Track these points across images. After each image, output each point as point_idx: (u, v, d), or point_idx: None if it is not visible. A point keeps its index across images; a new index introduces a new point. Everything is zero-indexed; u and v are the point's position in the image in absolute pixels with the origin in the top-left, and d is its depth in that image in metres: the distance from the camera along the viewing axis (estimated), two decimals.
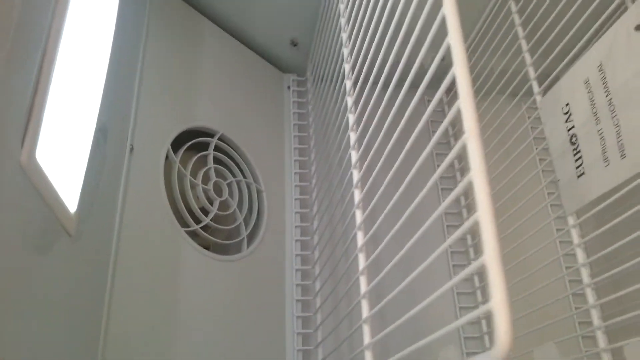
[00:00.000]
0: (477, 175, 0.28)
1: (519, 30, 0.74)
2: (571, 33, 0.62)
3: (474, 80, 0.87)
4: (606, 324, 0.57)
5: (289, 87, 0.94)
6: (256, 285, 0.74)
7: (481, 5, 0.83)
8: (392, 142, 0.45)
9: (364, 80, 0.54)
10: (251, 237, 0.77)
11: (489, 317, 0.81)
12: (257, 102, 0.88)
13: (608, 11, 0.57)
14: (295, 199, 0.85)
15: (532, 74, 0.70)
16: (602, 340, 0.56)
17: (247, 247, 0.74)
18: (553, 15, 0.66)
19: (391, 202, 0.44)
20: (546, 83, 0.67)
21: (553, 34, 0.66)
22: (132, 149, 0.63)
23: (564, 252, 0.63)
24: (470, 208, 0.90)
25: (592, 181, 0.57)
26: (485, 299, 0.82)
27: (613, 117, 0.54)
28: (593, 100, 0.57)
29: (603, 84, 0.56)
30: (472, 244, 0.87)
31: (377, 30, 0.49)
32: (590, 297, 0.58)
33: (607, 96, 0.55)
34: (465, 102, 0.31)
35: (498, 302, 0.24)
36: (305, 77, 0.95)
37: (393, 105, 0.45)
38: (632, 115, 0.52)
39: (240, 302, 0.70)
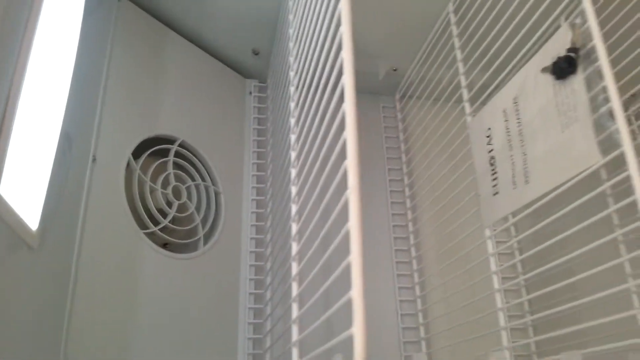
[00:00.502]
0: (353, 227, 0.35)
1: (457, 52, 0.80)
2: (502, 57, 0.69)
3: (424, 88, 0.94)
4: (511, 325, 0.65)
5: (250, 93, 1.00)
6: (212, 280, 0.81)
7: (429, 24, 0.89)
8: (319, 141, 0.51)
9: (308, 86, 0.58)
10: (208, 236, 0.83)
11: (426, 324, 0.89)
12: (219, 108, 0.93)
13: (533, 40, 0.64)
14: (252, 200, 0.92)
15: (465, 95, 0.77)
16: (505, 339, 0.64)
17: (204, 245, 0.81)
18: (489, 37, 0.72)
19: (315, 218, 0.50)
20: (474, 107, 0.75)
21: (487, 56, 0.72)
22: (94, 160, 0.68)
23: (477, 261, 0.71)
24: (416, 219, 0.97)
25: (503, 200, 0.65)
26: (425, 306, 0.91)
27: (522, 146, 0.62)
28: (508, 129, 0.65)
29: (516, 115, 0.63)
30: (415, 255, 0.95)
31: (315, 39, 0.54)
32: (499, 301, 0.66)
33: (518, 127, 0.62)
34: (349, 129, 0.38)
35: (357, 329, 0.31)
36: (266, 84, 1.01)
37: (329, 109, 0.49)
38: (535, 147, 0.59)
39: (197, 297, 0.77)
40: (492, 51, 0.70)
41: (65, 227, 0.61)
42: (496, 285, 0.66)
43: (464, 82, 0.78)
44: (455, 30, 0.81)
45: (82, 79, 0.65)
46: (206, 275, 0.80)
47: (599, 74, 0.50)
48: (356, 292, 0.32)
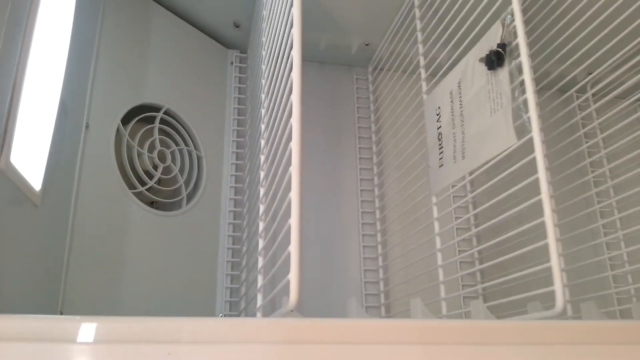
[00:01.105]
0: (294, 196, 0.44)
1: (418, 34, 0.88)
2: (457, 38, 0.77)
3: (392, 63, 1.01)
4: (464, 292, 0.76)
5: (232, 63, 1.08)
6: (194, 236, 0.91)
7: (398, 2, 0.97)
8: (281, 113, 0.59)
9: (274, 63, 0.66)
10: (191, 196, 0.93)
11: (386, 279, 1.00)
12: (202, 78, 1.01)
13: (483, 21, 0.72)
14: (232, 163, 1.01)
15: (423, 74, 0.86)
16: (442, 292, 0.75)
17: (187, 204, 0.90)
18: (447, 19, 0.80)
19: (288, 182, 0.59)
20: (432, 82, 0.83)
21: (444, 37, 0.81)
22: (87, 126, 0.77)
23: (424, 225, 0.81)
24: (383, 195, 1.07)
25: (446, 172, 0.74)
26: (385, 262, 1.01)
27: (462, 126, 0.71)
28: (452, 109, 0.73)
29: (459, 97, 0.72)
30: (379, 217, 1.05)
31: (278, 20, 0.62)
32: (440, 259, 0.76)
33: (460, 108, 0.71)
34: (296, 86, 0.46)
35: (293, 275, 0.41)
36: (247, 55, 1.09)
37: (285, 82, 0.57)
38: (471, 127, 0.68)
39: (180, 251, 0.87)
40: (447, 33, 0.78)
41: (63, 187, 0.70)
42: (438, 245, 0.77)
43: (422, 62, 0.86)
44: (417, 13, 0.89)
45: (77, 53, 0.72)
46: (189, 231, 0.90)
47: (519, 69, 0.58)
48: (293, 247, 0.42)
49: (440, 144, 0.76)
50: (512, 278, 0.58)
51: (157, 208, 0.87)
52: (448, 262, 0.75)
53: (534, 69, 0.88)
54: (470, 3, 0.72)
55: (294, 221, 0.42)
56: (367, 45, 1.09)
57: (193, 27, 1.01)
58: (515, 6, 0.60)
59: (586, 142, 1.21)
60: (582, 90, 1.22)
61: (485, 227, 0.65)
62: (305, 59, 1.12)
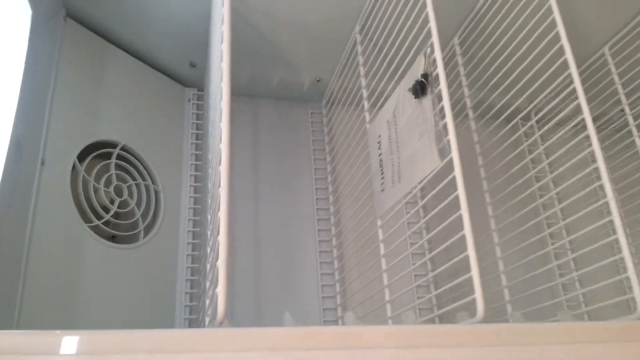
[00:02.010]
0: (222, 216, 0.47)
1: (361, 69, 0.94)
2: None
3: (344, 95, 1.07)
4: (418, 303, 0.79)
5: (189, 100, 1.12)
6: (152, 268, 0.93)
7: (344, 42, 1.03)
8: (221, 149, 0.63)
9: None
10: (149, 229, 0.95)
11: (344, 291, 1.03)
12: (159, 114, 1.05)
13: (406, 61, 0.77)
14: (190, 197, 1.04)
15: (366, 106, 0.91)
16: (389, 311, 0.78)
17: (144, 237, 0.93)
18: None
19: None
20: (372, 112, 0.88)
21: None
22: (43, 163, 0.80)
23: (372, 248, 0.85)
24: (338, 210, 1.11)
25: (387, 196, 0.79)
26: (342, 278, 1.04)
27: (398, 151, 0.75)
28: (390, 136, 0.78)
29: (395, 125, 0.77)
30: (335, 244, 1.09)
31: (217, 57, 0.67)
32: (385, 279, 0.80)
33: (395, 135, 0.76)
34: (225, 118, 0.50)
35: (220, 288, 0.44)
36: (204, 92, 1.13)
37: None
38: (404, 152, 0.73)
39: (139, 282, 0.89)
40: (384, 67, 0.84)
41: (18, 221, 0.72)
42: (383, 266, 0.80)
43: (365, 95, 0.91)
44: (359, 49, 0.95)
45: (31, 92, 0.76)
46: (147, 263, 0.92)
47: (439, 97, 0.64)
48: (221, 262, 0.45)
49: (381, 170, 0.81)
50: (443, 290, 0.62)
51: (117, 242, 0.90)
52: (398, 281, 0.78)
53: (481, 99, 0.94)
54: (400, 37, 0.78)
55: (222, 237, 0.46)
56: (318, 81, 1.14)
57: (150, 67, 1.06)
58: (435, 40, 0.66)
59: (533, 168, 1.27)
60: (527, 119, 1.29)
61: (436, 251, 0.69)
62: (260, 95, 1.18)
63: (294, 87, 1.16)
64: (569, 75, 1.02)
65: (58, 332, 0.40)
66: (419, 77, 0.68)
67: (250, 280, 1.03)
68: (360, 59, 0.94)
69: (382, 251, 0.81)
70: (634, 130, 1.05)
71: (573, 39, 1.07)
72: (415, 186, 0.69)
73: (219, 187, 0.48)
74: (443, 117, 0.62)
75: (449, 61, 1.05)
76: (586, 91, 1.20)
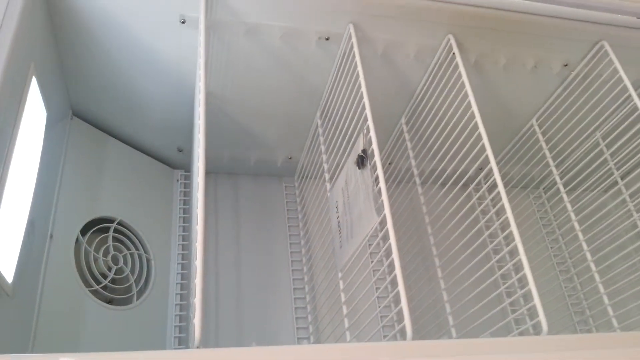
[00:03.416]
0: (198, 261, 0.61)
1: (322, 147, 1.11)
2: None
3: (311, 170, 1.23)
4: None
5: (177, 181, 1.28)
6: (144, 328, 1.05)
7: (308, 125, 1.21)
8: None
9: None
10: (141, 292, 1.08)
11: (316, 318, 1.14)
12: (151, 193, 1.21)
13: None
14: (178, 263, 1.18)
15: (327, 177, 1.08)
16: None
17: (137, 300, 1.05)
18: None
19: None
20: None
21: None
22: (51, 236, 0.94)
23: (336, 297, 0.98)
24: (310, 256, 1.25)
25: (344, 251, 0.93)
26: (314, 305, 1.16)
27: (350, 213, 0.91)
28: (344, 201, 0.94)
29: (347, 191, 0.93)
30: (309, 300, 1.22)
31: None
32: (347, 323, 0.92)
33: (347, 199, 0.92)
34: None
35: (197, 319, 0.57)
36: (190, 172, 1.30)
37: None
38: (354, 213, 0.88)
39: (132, 341, 1.01)
40: (338, 144, 1.01)
41: (31, 285, 0.85)
42: (345, 311, 0.93)
43: (325, 168, 1.08)
44: (320, 130, 1.13)
45: (44, 179, 0.92)
46: (139, 323, 1.04)
47: (374, 168, 0.80)
48: (197, 298, 0.59)
49: (339, 229, 0.96)
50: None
51: (114, 304, 1.02)
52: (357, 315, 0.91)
53: (433, 168, 1.10)
54: (348, 121, 0.96)
55: (198, 279, 0.60)
56: (290, 159, 1.31)
57: (143, 153, 1.23)
58: (370, 123, 0.83)
59: (487, 230, 1.42)
60: (479, 184, 1.47)
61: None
62: (239, 172, 1.34)
63: (269, 164, 1.33)
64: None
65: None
66: (359, 152, 0.84)
67: (234, 322, 1.15)
68: (321, 139, 1.12)
69: (342, 299, 0.94)
70: (561, 187, 1.22)
71: (506, 113, 1.27)
72: (362, 240, 0.83)
73: (196, 241, 0.63)
74: (377, 183, 0.78)
75: (399, 136, 1.23)
76: (522, 156, 1.39)
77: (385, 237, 0.75)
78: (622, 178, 1.27)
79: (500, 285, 1.08)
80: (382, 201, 0.77)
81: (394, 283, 0.72)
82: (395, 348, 0.61)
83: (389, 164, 1.33)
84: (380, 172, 0.78)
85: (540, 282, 1.28)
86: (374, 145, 0.81)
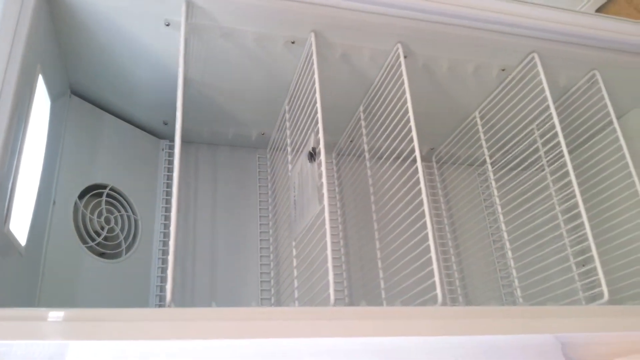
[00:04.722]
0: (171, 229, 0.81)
1: (287, 132, 1.28)
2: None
3: (279, 145, 1.41)
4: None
5: (162, 150, 1.46)
6: (132, 279, 1.26)
7: (281, 103, 1.38)
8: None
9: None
10: (129, 248, 1.28)
11: (277, 288, 1.36)
12: (140, 161, 1.39)
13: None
14: (161, 223, 1.37)
15: (289, 158, 1.26)
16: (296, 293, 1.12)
17: (125, 254, 1.26)
18: None
19: None
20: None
21: None
22: (54, 202, 1.13)
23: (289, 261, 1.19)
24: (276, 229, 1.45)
25: (297, 226, 1.13)
26: (277, 288, 1.38)
27: (302, 196, 1.10)
28: (299, 184, 1.13)
29: (302, 178, 1.11)
30: (273, 267, 1.42)
31: None
32: (296, 293, 1.13)
33: (301, 184, 1.11)
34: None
35: (168, 283, 0.77)
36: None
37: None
38: (305, 196, 1.07)
39: (121, 290, 1.22)
40: (302, 126, 1.19)
41: (38, 244, 1.05)
42: (295, 284, 1.14)
43: (289, 151, 1.26)
44: (287, 116, 1.30)
45: (48, 153, 1.09)
46: (127, 275, 1.25)
47: (320, 164, 0.98)
48: (170, 263, 0.78)
49: (295, 207, 1.15)
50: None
51: (106, 258, 1.22)
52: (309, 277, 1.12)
53: (387, 146, 1.27)
54: (308, 111, 1.13)
55: (171, 246, 0.79)
56: (263, 134, 1.49)
57: (132, 126, 1.40)
58: (320, 126, 1.01)
59: (434, 204, 1.63)
60: (430, 161, 1.66)
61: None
62: (219, 144, 1.52)
63: (244, 138, 1.50)
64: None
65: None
66: (310, 149, 1.03)
67: (208, 282, 1.36)
68: (287, 124, 1.29)
69: (294, 263, 1.15)
70: (489, 167, 1.41)
71: (453, 105, 1.44)
72: (308, 221, 1.03)
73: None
74: (321, 177, 0.97)
75: (358, 121, 1.40)
76: (467, 141, 1.57)
77: (325, 223, 0.95)
78: (550, 165, 1.46)
79: (437, 257, 1.30)
80: (322, 193, 0.96)
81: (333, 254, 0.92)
82: (319, 312, 0.82)
83: (350, 141, 1.51)
84: (323, 169, 0.97)
85: (477, 256, 1.52)
86: (321, 146, 0.99)
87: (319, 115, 1.02)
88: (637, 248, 1.28)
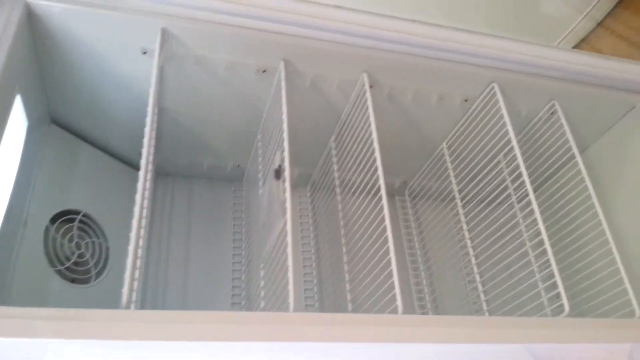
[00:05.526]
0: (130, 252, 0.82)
1: (259, 159, 1.32)
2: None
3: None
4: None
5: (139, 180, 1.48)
6: (100, 305, 1.25)
7: (254, 135, 1.42)
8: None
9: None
10: (99, 274, 1.28)
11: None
12: (116, 191, 1.41)
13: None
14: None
15: (260, 183, 1.28)
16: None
17: (94, 280, 1.26)
18: None
19: None
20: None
21: None
22: (25, 225, 1.14)
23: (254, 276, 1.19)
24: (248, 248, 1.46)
25: (266, 242, 1.14)
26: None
27: (269, 214, 1.12)
28: (267, 203, 1.15)
29: (269, 196, 1.14)
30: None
31: None
32: (262, 293, 1.13)
33: (268, 203, 1.13)
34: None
35: (126, 287, 0.78)
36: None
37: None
38: (271, 214, 1.09)
39: None
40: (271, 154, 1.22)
41: (4, 264, 1.05)
42: (262, 302, 1.14)
43: (260, 177, 1.29)
44: (260, 145, 1.34)
45: (22, 177, 1.11)
46: (95, 301, 1.24)
47: (284, 181, 1.01)
48: (128, 270, 0.79)
49: (264, 226, 1.17)
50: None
51: (76, 283, 1.22)
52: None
53: (356, 179, 1.30)
54: (278, 138, 1.17)
55: (130, 255, 0.80)
56: (238, 166, 1.52)
57: (110, 156, 1.43)
58: (286, 145, 1.04)
59: (407, 237, 1.65)
60: (403, 195, 1.69)
61: None
62: (194, 176, 1.54)
63: (220, 170, 1.53)
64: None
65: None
66: (276, 166, 1.06)
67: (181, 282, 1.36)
68: (260, 152, 1.33)
69: (261, 274, 1.16)
70: (459, 202, 1.44)
71: (420, 136, 1.48)
72: (277, 236, 1.05)
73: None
74: (285, 192, 1.00)
75: (329, 153, 1.44)
76: (437, 174, 1.60)
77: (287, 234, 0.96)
78: (519, 201, 1.49)
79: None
80: (285, 207, 0.98)
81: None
82: (276, 317, 0.82)
83: (324, 174, 1.55)
84: (287, 185, 1.00)
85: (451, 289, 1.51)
86: (286, 163, 1.02)
87: (285, 133, 1.05)
88: (601, 274, 1.28)
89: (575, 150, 1.33)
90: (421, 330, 0.88)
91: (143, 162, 0.92)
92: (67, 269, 1.21)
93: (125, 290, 0.77)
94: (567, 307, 1.00)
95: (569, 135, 1.34)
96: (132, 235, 0.82)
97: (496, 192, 1.47)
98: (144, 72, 1.17)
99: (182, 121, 1.34)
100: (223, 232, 1.51)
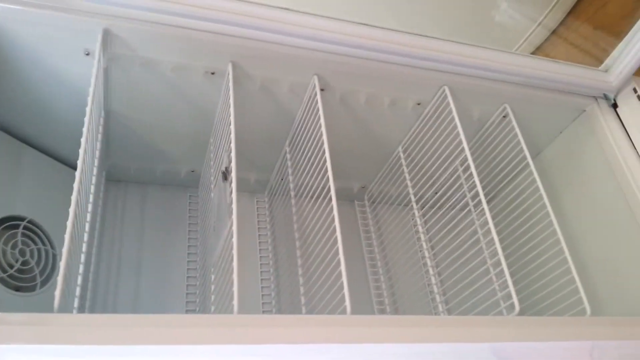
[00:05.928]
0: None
1: (211, 157, 1.30)
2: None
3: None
4: None
5: None
6: (45, 311, 1.21)
7: None
8: None
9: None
10: (45, 282, 1.24)
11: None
12: (62, 196, 1.36)
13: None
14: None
15: (212, 185, 1.27)
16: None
17: (40, 288, 1.22)
18: None
19: None
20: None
21: None
22: None
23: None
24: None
25: (216, 246, 1.12)
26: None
27: (218, 215, 1.10)
28: (217, 205, 1.13)
29: (219, 198, 1.12)
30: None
31: None
32: (213, 297, 1.11)
33: (218, 204, 1.11)
34: None
35: (58, 288, 0.75)
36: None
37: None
38: (220, 217, 1.07)
39: None
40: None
41: None
42: (212, 288, 1.12)
43: (211, 180, 1.27)
44: (212, 148, 1.32)
45: None
46: (41, 309, 1.19)
47: (231, 182, 1.00)
48: (60, 267, 0.76)
49: (214, 228, 1.15)
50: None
51: (20, 291, 1.18)
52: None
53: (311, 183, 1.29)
54: (229, 141, 1.15)
55: (64, 256, 0.78)
56: (193, 171, 1.50)
57: (57, 161, 1.39)
58: (233, 146, 1.03)
59: (367, 241, 1.64)
60: (362, 199, 1.69)
61: None
62: (147, 182, 1.51)
63: (173, 175, 1.51)
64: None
65: None
66: (223, 168, 1.04)
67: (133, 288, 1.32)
68: (211, 155, 1.31)
69: (212, 279, 1.14)
70: (414, 205, 1.44)
71: (376, 141, 1.48)
72: (223, 240, 1.03)
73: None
74: (231, 194, 0.98)
75: (284, 157, 1.44)
76: (394, 178, 1.61)
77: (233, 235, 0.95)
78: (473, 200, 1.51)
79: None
80: (232, 209, 0.96)
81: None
82: (218, 319, 0.80)
83: (281, 179, 1.54)
84: (234, 186, 0.98)
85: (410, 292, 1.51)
86: (233, 165, 1.01)
87: (232, 135, 1.04)
88: (554, 273, 1.30)
89: (526, 153, 1.35)
90: (370, 331, 0.87)
91: (79, 162, 0.89)
92: (10, 276, 1.17)
93: (57, 293, 0.75)
94: (517, 306, 1.01)
95: (520, 138, 1.36)
96: (66, 236, 0.80)
97: (451, 195, 1.49)
98: (87, 75, 1.14)
99: (132, 125, 1.32)
100: (178, 237, 1.48)
